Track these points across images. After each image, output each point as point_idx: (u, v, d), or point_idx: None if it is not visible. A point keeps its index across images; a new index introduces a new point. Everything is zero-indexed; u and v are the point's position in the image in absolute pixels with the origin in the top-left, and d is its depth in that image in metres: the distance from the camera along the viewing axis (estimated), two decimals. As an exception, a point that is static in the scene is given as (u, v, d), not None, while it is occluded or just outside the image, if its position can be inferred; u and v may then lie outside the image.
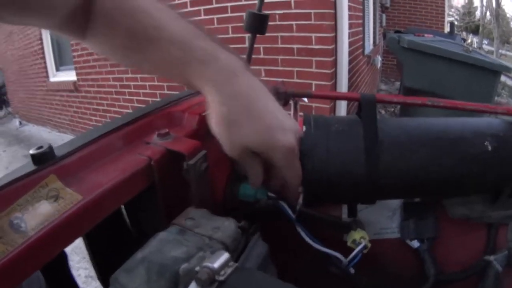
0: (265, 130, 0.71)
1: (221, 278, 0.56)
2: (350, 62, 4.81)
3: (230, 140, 0.73)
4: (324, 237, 0.94)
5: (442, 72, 5.15)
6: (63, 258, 0.87)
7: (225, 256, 0.59)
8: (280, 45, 4.42)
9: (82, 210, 0.64)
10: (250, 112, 0.71)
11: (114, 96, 6.90)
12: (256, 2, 1.23)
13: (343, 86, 4.50)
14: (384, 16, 10.24)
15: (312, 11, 4.14)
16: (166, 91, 5.77)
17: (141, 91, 6.28)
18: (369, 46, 7.61)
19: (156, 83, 5.91)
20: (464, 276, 1.02)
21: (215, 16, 4.88)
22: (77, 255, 3.15)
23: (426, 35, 6.29)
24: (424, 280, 1.02)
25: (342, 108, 4.69)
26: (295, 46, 4.35)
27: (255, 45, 1.25)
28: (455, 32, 9.32)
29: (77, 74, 7.60)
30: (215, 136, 0.76)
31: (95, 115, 7.60)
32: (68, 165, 0.72)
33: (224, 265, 0.58)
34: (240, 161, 0.78)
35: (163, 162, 0.80)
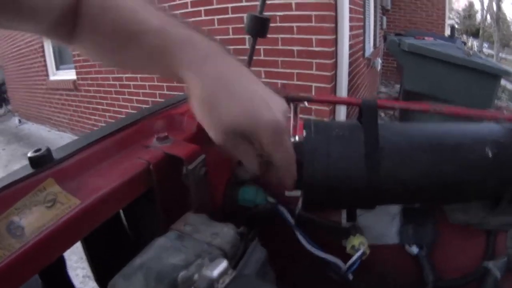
0: (248, 107, 0.69)
1: (220, 286, 0.56)
2: (350, 64, 4.81)
3: (213, 123, 0.70)
4: (323, 242, 0.94)
5: (442, 75, 5.15)
6: (61, 261, 0.86)
7: (224, 264, 0.59)
8: (280, 47, 4.41)
9: (80, 215, 0.64)
10: (231, 92, 0.69)
11: (114, 95, 6.89)
12: (256, 3, 1.23)
13: (343, 88, 4.50)
14: (384, 18, 10.24)
15: (312, 13, 4.14)
16: (165, 91, 5.76)
17: (140, 91, 6.27)
18: (369, 48, 7.61)
19: (155, 83, 5.91)
20: (463, 283, 1.02)
21: (216, 17, 4.88)
22: (75, 255, 3.12)
23: (426, 38, 6.30)
24: (422, 287, 1.01)
25: (341, 111, 4.68)
26: (295, 48, 4.34)
27: (256, 47, 1.24)
28: (456, 35, 9.32)
29: (77, 73, 7.59)
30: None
31: (94, 115, 7.60)
32: (66, 169, 0.72)
33: (223, 273, 0.57)
34: (229, 147, 0.73)
35: (162, 166, 0.80)
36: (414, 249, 1.04)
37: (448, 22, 12.33)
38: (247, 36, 1.25)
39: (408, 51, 5.29)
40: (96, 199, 0.67)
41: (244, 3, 4.55)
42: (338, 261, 0.94)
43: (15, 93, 11.22)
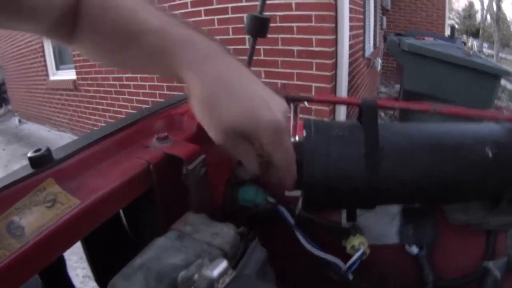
0: (248, 107, 0.68)
1: (220, 286, 0.56)
2: (350, 64, 4.81)
3: (213, 123, 0.70)
4: (323, 242, 0.94)
5: (443, 75, 5.15)
6: (61, 261, 0.86)
7: (224, 264, 0.59)
8: (280, 47, 4.41)
9: (80, 215, 0.64)
10: (231, 91, 0.69)
11: (114, 95, 6.88)
12: (256, 3, 1.23)
13: (343, 88, 4.49)
14: (384, 18, 10.23)
15: (312, 13, 4.13)
16: (165, 91, 5.76)
17: (140, 91, 6.27)
18: (369, 48, 7.60)
19: (155, 83, 5.90)
20: (463, 283, 1.02)
21: (216, 17, 4.88)
22: (75, 255, 3.12)
23: (426, 38, 6.29)
24: (422, 287, 1.01)
25: (341, 111, 4.68)
26: (295, 48, 4.34)
27: (256, 47, 1.24)
28: (456, 35, 9.32)
29: (77, 73, 7.58)
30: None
31: (94, 115, 7.59)
32: (66, 169, 0.72)
33: (223, 273, 0.57)
34: (229, 147, 0.73)
35: (162, 166, 0.80)
36: (414, 249, 1.04)
37: (448, 22, 12.32)
38: (247, 36, 1.25)
39: (408, 51, 5.28)
40: (96, 199, 0.67)
41: (244, 3, 4.55)
42: (338, 261, 0.94)
43: (15, 93, 11.22)
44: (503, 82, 5.75)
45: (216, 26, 4.82)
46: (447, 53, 5.13)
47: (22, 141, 8.73)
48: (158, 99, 5.96)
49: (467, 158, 0.85)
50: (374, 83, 8.68)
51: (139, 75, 6.05)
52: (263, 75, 4.56)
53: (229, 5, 4.69)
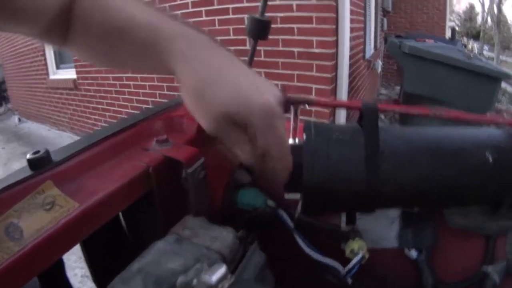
0: (238, 92, 0.68)
1: (219, 292, 0.56)
2: (350, 66, 4.81)
3: (204, 111, 0.69)
4: (322, 245, 0.94)
5: (443, 78, 5.16)
6: (60, 263, 0.86)
7: (222, 269, 0.59)
8: (281, 48, 4.41)
9: (78, 218, 0.64)
10: (221, 78, 0.68)
11: (114, 95, 6.89)
12: (257, 4, 1.23)
13: (343, 90, 4.50)
14: (385, 20, 10.24)
15: (313, 14, 4.14)
16: (165, 92, 5.76)
17: (140, 90, 6.27)
18: (370, 50, 7.61)
19: (156, 83, 5.91)
20: (462, 287, 1.02)
21: (217, 18, 4.88)
22: (74, 254, 3.12)
23: (427, 40, 6.30)
24: (422, 291, 1.01)
25: (342, 113, 4.69)
26: (296, 49, 4.34)
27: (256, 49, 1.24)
28: (456, 37, 9.33)
29: (77, 73, 7.59)
30: (211, 138, 0.73)
31: (94, 114, 7.60)
32: (65, 171, 0.72)
33: (222, 278, 0.57)
34: (222, 136, 0.72)
35: (161, 169, 0.80)
36: (414, 253, 1.04)
37: (449, 24, 12.34)
38: (248, 37, 1.25)
39: (408, 53, 5.29)
40: (95, 202, 0.66)
41: (245, 4, 4.55)
42: (337, 265, 0.93)
43: (15, 92, 11.23)
44: (503, 85, 5.76)
45: (217, 27, 4.82)
46: (448, 56, 5.15)
47: (22, 140, 8.74)
48: (158, 99, 5.97)
49: (467, 163, 0.84)
50: (374, 85, 8.68)
51: (139, 75, 6.07)
52: (265, 76, 4.56)
53: (230, 6, 4.69)
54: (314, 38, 4.20)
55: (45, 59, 8.67)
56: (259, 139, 0.70)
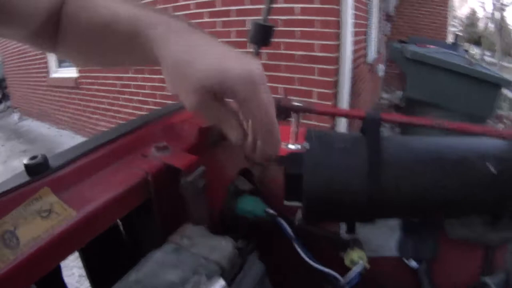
0: (218, 62, 0.66)
1: (217, 306, 0.55)
2: (352, 70, 4.80)
3: (185, 86, 0.68)
4: (321, 253, 0.93)
5: (445, 83, 5.18)
6: (56, 268, 0.85)
7: (221, 282, 0.58)
8: (282, 51, 4.41)
9: (75, 227, 0.63)
10: (201, 52, 0.68)
11: (115, 95, 6.90)
12: (259, 6, 1.22)
13: (345, 94, 4.49)
14: (388, 24, 10.25)
15: (316, 18, 4.13)
16: (165, 92, 5.76)
17: (141, 91, 6.28)
18: (372, 54, 7.60)
19: (156, 84, 5.91)
20: (461, 298, 1.01)
21: (219, 20, 4.88)
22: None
23: (429, 45, 6.31)
24: (421, 301, 1.01)
25: (343, 119, 4.68)
26: (298, 52, 4.34)
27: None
28: (458, 43, 9.35)
29: (79, 71, 7.61)
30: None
31: (95, 113, 7.61)
32: (63, 178, 0.71)
33: (220, 292, 0.57)
34: (205, 112, 0.70)
35: (160, 177, 0.79)
36: (413, 263, 1.03)
37: (451, 29, 12.37)
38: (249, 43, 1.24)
39: (411, 58, 5.30)
40: (93, 211, 0.65)
41: (247, 6, 4.55)
42: (337, 275, 0.93)
43: (15, 89, 11.25)
44: (504, 91, 5.76)
45: (219, 29, 4.82)
46: (450, 62, 5.17)
47: (22, 138, 8.75)
48: (157, 100, 5.97)
49: (469, 174, 0.84)
50: (376, 89, 8.69)
51: (140, 75, 6.07)
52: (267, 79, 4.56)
53: (232, 8, 4.69)
54: (317, 42, 4.20)
55: (46, 57, 8.69)
56: (243, 110, 0.69)
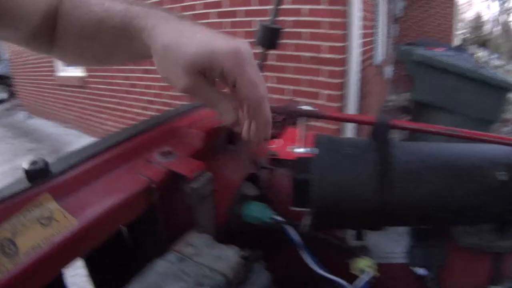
0: (206, 42, 0.68)
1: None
2: (360, 72, 4.78)
3: (175, 67, 0.69)
4: (328, 259, 0.92)
5: (452, 86, 5.18)
6: (59, 276, 0.84)
7: None
8: (289, 53, 4.40)
9: (76, 236, 0.61)
10: (189, 35, 0.69)
11: (122, 94, 6.91)
12: (265, 7, 1.21)
13: (352, 96, 4.48)
14: (395, 26, 10.25)
15: (323, 19, 4.12)
16: (172, 92, 5.75)
17: (148, 90, 6.28)
18: (379, 56, 7.59)
19: (164, 84, 5.90)
20: (470, 306, 1.00)
21: (226, 20, 4.87)
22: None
23: (437, 48, 6.31)
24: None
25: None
26: (305, 54, 4.32)
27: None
28: (465, 45, 9.36)
29: (86, 70, 7.62)
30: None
31: (102, 112, 7.62)
32: (64, 183, 0.69)
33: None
34: (197, 93, 0.71)
35: (165, 183, 0.77)
36: (421, 270, 1.02)
37: (458, 32, 12.39)
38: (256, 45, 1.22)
39: (418, 61, 5.30)
40: (94, 218, 0.64)
41: (255, 7, 4.55)
42: (345, 283, 0.92)
43: (22, 87, 11.29)
44: (511, 95, 5.76)
45: (227, 30, 4.81)
46: (458, 65, 5.18)
47: (29, 136, 8.77)
48: (165, 100, 5.97)
49: (479, 182, 0.83)
50: (383, 91, 8.68)
51: (147, 75, 6.08)
52: (274, 80, 4.56)
53: (240, 9, 4.69)
54: (324, 43, 4.19)
55: (53, 56, 8.72)
56: (234, 91, 0.70)
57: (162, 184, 0.76)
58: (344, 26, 4.14)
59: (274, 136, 1.04)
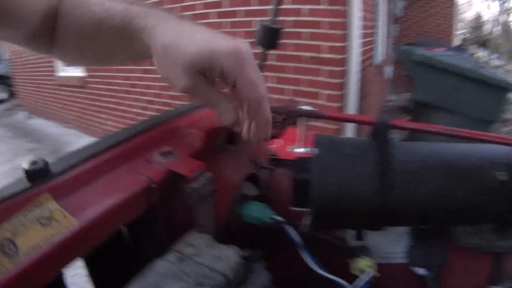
0: (206, 42, 0.68)
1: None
2: (360, 72, 4.78)
3: (175, 67, 0.69)
4: (328, 259, 0.92)
5: (452, 86, 5.18)
6: (58, 276, 0.84)
7: None
8: (289, 53, 4.40)
9: (76, 236, 0.61)
10: (188, 35, 0.69)
11: (122, 94, 6.91)
12: (265, 7, 1.21)
13: (352, 96, 4.48)
14: (395, 26, 10.25)
15: (323, 19, 4.12)
16: (172, 92, 5.75)
17: (148, 90, 6.28)
18: (379, 56, 7.59)
19: (164, 83, 5.90)
20: (469, 306, 1.00)
21: (225, 20, 4.87)
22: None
23: (437, 48, 6.31)
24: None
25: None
26: (304, 54, 4.32)
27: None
28: (465, 45, 9.36)
29: (86, 70, 7.62)
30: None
31: (102, 112, 7.62)
32: (64, 183, 0.69)
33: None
34: (196, 93, 0.71)
35: (165, 183, 0.77)
36: (421, 270, 1.02)
37: (458, 32, 12.40)
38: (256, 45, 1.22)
39: (419, 61, 5.30)
40: (94, 218, 0.64)
41: (255, 7, 4.54)
42: (345, 283, 0.92)
43: (22, 87, 11.29)
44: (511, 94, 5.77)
45: (227, 30, 4.81)
46: (458, 65, 5.18)
47: (29, 136, 8.77)
48: (165, 100, 5.97)
49: (480, 182, 0.83)
50: (383, 91, 8.67)
51: (147, 75, 6.07)
52: (274, 80, 4.56)
53: (240, 9, 4.69)
54: (324, 43, 4.19)
55: (53, 56, 8.72)
56: (234, 91, 0.71)
57: (162, 184, 0.76)
58: (344, 26, 4.14)
59: (274, 136, 1.04)
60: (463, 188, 0.83)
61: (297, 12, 4.23)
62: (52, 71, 8.91)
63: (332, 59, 4.17)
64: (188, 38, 0.68)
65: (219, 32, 0.72)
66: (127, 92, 6.75)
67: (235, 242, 0.75)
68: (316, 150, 0.85)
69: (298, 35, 4.29)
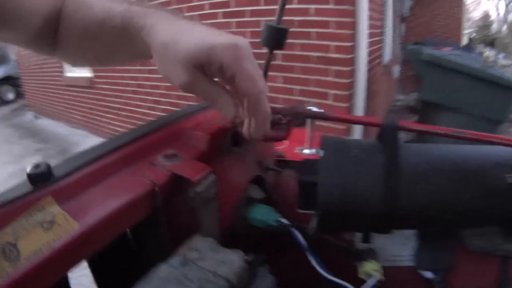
0: (204, 38, 0.68)
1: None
2: (368, 72, 4.77)
3: (174, 64, 0.69)
4: (334, 262, 0.92)
5: (460, 86, 5.16)
6: (62, 279, 0.83)
7: None
8: (297, 52, 4.39)
9: (78, 240, 0.61)
10: (187, 32, 0.70)
11: (129, 94, 6.93)
12: (273, 7, 1.21)
13: (360, 96, 4.47)
14: (403, 26, 10.23)
15: (331, 19, 4.11)
16: (179, 93, 5.75)
17: (155, 91, 6.29)
18: (387, 55, 7.58)
19: (170, 84, 5.92)
20: (477, 310, 0.99)
21: (233, 20, 4.87)
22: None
23: (445, 47, 6.29)
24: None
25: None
26: (312, 53, 4.32)
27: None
28: (473, 44, 9.34)
29: (93, 71, 7.65)
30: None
31: (109, 113, 7.64)
32: (67, 187, 0.69)
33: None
34: (196, 89, 0.72)
35: (169, 187, 0.76)
36: (428, 273, 1.01)
37: (465, 31, 12.38)
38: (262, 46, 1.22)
39: (427, 61, 5.28)
40: (96, 222, 0.63)
41: (262, 7, 4.54)
42: (351, 287, 0.91)
43: (30, 88, 11.33)
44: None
45: (234, 29, 4.81)
46: (466, 64, 5.16)
47: (36, 137, 8.80)
48: (172, 100, 5.98)
49: (487, 184, 0.82)
50: (391, 90, 8.66)
51: (154, 75, 6.08)
52: (280, 80, 4.55)
53: (247, 8, 4.68)
54: (332, 43, 4.18)
55: (61, 57, 8.76)
56: (233, 86, 0.71)
57: (166, 188, 0.75)
58: (352, 26, 4.13)
59: (281, 138, 1.04)
60: (470, 190, 0.82)
61: (304, 12, 4.23)
62: (59, 71, 8.95)
63: (339, 59, 4.16)
64: (187, 35, 0.69)
65: (220, 30, 0.73)
66: (134, 92, 6.77)
67: (240, 245, 0.75)
68: (322, 152, 0.85)
69: (305, 35, 4.28)
